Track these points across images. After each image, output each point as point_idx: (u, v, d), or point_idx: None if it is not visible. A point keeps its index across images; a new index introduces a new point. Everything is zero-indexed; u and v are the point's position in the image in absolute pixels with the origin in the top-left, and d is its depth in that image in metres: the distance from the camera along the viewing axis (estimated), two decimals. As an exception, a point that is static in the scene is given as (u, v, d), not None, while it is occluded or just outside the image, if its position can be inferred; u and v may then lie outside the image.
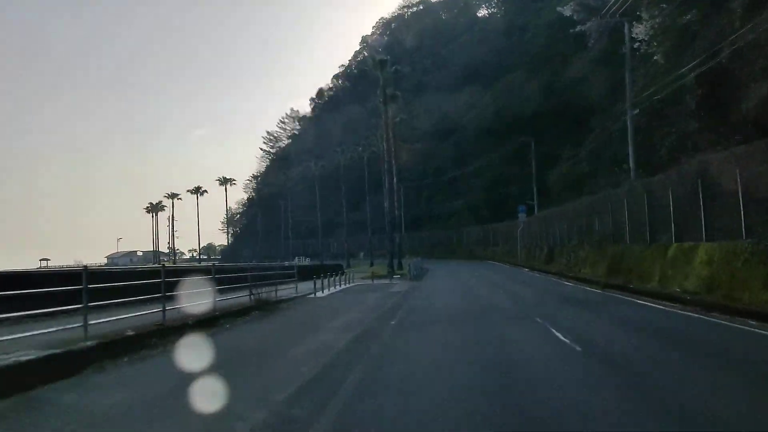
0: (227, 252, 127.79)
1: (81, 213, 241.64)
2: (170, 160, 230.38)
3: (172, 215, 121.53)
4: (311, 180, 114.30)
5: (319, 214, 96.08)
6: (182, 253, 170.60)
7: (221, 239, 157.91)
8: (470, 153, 78.20)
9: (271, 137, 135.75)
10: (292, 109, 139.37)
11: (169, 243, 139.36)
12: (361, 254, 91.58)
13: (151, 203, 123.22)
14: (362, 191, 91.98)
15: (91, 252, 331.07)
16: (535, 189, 53.90)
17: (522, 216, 49.67)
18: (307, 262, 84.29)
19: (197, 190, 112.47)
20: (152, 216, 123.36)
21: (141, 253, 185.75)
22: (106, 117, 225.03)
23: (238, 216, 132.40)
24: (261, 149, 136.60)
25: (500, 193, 67.12)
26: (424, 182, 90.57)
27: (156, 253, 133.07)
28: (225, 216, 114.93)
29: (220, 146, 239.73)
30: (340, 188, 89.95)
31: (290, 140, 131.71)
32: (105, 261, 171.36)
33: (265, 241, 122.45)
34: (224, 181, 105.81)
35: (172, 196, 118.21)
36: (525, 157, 59.61)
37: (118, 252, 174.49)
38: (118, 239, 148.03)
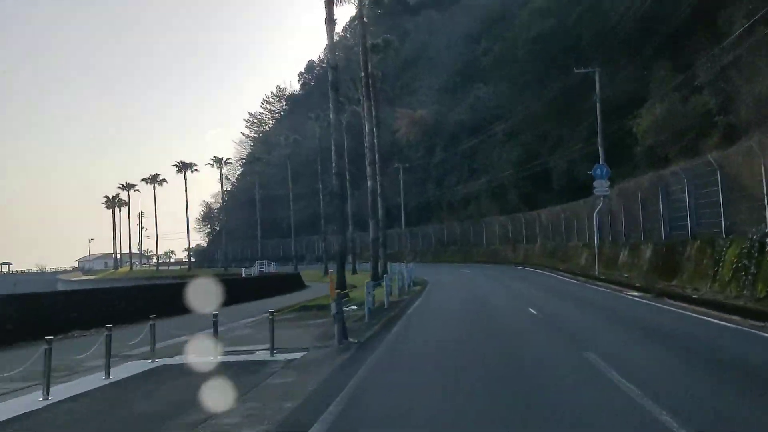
0: (200, 255, 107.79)
1: (48, 212, 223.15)
2: (140, 151, 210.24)
3: (132, 212, 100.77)
4: (294, 165, 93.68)
5: (292, 204, 75.46)
6: (170, 255, 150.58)
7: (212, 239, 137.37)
8: (494, 112, 56.59)
9: (254, 119, 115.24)
10: (278, 87, 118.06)
11: (139, 243, 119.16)
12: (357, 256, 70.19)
13: (108, 197, 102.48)
14: (355, 174, 71.54)
15: (61, 255, 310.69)
16: (601, 151, 32.35)
17: (602, 185, 27.73)
18: (272, 268, 64.01)
19: (153, 179, 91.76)
20: (113, 212, 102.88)
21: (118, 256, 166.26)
22: (71, 101, 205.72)
23: (217, 211, 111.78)
24: (242, 134, 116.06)
25: (538, 168, 45.71)
26: (432, 162, 69.33)
27: (114, 260, 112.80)
28: (187, 212, 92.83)
29: (200, 132, 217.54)
30: (325, 172, 68.44)
31: (275, 122, 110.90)
32: (76, 265, 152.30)
33: (246, 240, 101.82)
34: (182, 167, 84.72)
35: (128, 187, 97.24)
36: (579, 106, 38.13)
37: (89, 255, 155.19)
38: (90, 240, 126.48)
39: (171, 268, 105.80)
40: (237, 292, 29.79)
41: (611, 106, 32.83)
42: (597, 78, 32.63)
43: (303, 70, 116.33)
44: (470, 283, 30.12)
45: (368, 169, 41.25)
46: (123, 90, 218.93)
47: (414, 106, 72.85)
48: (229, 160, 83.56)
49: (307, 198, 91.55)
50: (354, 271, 51.92)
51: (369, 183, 41.61)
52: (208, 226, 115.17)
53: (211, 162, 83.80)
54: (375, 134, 41.02)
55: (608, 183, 27.61)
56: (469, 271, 42.47)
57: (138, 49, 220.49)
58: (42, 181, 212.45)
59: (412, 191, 71.93)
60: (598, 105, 32.60)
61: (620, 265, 26.13)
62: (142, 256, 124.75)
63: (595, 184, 27.79)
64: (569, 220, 38.25)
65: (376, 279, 32.29)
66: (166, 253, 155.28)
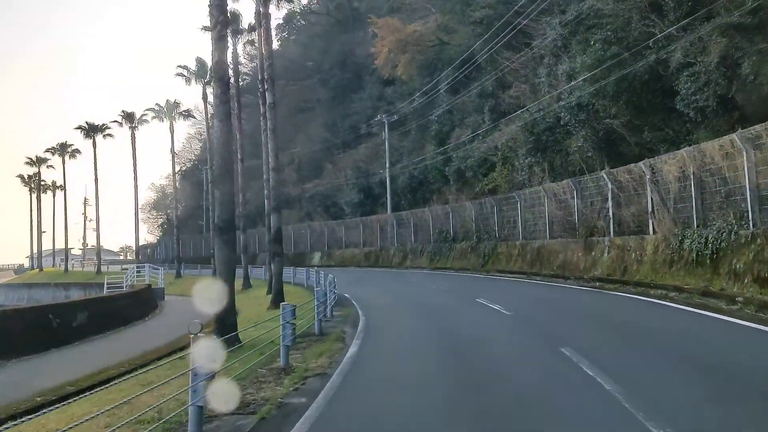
0: (144, 252, 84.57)
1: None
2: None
3: (69, 203, 75.06)
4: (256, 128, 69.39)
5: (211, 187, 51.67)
6: (126, 251, 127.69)
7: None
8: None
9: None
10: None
11: (81, 239, 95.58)
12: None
13: (24, 176, 77.99)
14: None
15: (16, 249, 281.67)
16: None
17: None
18: (159, 274, 39.78)
19: (63, 149, 67.11)
20: (30, 191, 78.76)
21: (79, 251, 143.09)
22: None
23: (170, 196, 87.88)
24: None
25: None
26: (436, 104, 44.43)
27: (66, 256, 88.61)
28: (136, 195, 66.96)
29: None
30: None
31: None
32: (24, 264, 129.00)
33: (199, 233, 77.79)
34: (90, 132, 59.37)
35: (62, 149, 70.83)
36: None
37: (45, 250, 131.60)
38: (41, 232, 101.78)
39: (111, 268, 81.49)
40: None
41: None
42: None
43: None
44: None
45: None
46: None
47: (406, 20, 47.82)
48: (184, 112, 56.30)
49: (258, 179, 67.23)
50: (246, 283, 35.23)
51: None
52: (163, 215, 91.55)
53: (120, 119, 58.05)
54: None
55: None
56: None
57: None
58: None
59: (405, 158, 47.32)
60: None
61: None
62: (86, 252, 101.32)
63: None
64: None
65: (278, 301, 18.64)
66: (122, 249, 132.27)
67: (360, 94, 58.83)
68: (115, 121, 56.96)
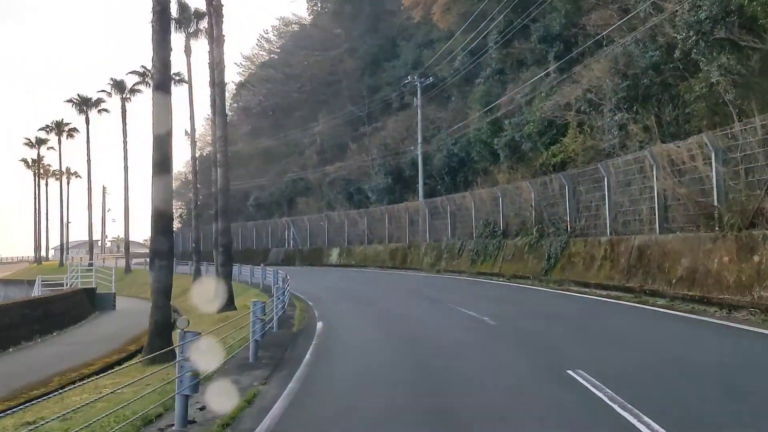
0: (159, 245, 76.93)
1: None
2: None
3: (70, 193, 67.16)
4: (266, 108, 61.46)
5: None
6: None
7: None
8: None
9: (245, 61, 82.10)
10: (283, 18, 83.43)
11: (102, 227, 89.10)
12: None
13: (27, 160, 70.72)
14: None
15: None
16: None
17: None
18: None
19: (59, 128, 59.51)
20: (35, 176, 71.82)
21: (108, 243, 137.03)
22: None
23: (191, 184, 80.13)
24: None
25: None
26: (483, 64, 34.54)
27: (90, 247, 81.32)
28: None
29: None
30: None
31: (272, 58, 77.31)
32: (50, 255, 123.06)
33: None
34: (83, 104, 51.53)
35: (58, 128, 61.74)
36: None
37: (73, 242, 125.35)
38: (67, 223, 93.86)
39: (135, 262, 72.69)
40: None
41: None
42: None
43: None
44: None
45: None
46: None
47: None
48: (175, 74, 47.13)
49: (285, 160, 58.73)
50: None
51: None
52: (182, 205, 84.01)
53: (109, 88, 49.50)
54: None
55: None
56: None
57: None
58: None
59: (443, 133, 37.62)
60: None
61: None
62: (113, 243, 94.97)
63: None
64: None
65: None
66: (146, 242, 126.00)
67: (393, 62, 49.29)
68: (103, 91, 48.45)
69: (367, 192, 43.12)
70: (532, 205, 23.77)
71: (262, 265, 31.43)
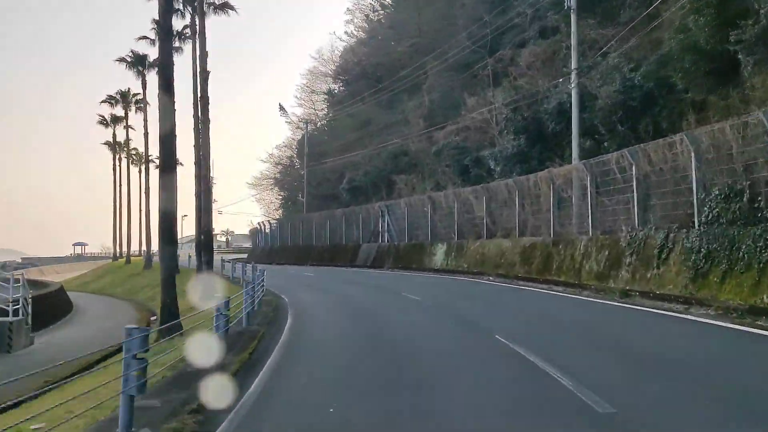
0: (254, 239, 68.13)
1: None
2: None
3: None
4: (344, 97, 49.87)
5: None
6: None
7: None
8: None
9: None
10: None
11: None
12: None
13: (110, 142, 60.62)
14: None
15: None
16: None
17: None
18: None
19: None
20: (115, 151, 61.85)
21: (229, 237, 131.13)
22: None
23: (293, 167, 69.91)
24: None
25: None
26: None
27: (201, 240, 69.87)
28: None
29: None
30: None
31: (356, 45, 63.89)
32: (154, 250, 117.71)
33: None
34: (138, 64, 40.21)
35: (123, 99, 51.28)
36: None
37: (183, 237, 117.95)
38: (183, 216, 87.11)
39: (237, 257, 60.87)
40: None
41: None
42: None
43: None
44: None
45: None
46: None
47: None
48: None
49: (386, 131, 46.34)
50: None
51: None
52: (282, 193, 74.31)
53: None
54: None
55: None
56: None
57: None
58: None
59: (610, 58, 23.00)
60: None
61: None
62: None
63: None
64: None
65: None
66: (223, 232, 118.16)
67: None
68: (145, 37, 37.34)
69: (489, 162, 29.30)
70: None
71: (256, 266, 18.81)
